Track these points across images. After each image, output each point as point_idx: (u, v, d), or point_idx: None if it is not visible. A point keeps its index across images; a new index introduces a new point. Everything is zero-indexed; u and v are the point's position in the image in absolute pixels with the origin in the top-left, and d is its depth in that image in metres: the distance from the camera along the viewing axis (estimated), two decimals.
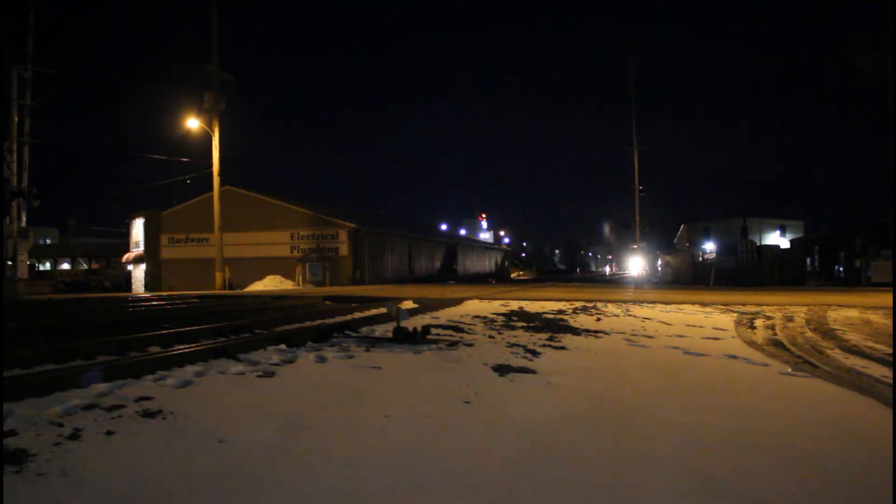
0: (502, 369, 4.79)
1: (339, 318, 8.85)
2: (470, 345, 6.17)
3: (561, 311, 10.58)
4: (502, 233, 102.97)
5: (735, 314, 10.05)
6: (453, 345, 6.06)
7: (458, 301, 12.63)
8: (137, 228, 36.64)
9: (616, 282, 41.84)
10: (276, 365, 4.71)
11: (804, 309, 10.67)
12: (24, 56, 22.40)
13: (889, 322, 8.56)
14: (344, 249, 32.00)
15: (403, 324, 6.54)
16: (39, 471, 2.38)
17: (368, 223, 36.04)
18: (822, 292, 17.19)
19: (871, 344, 6.47)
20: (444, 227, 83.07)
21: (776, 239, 52.40)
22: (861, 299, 12.95)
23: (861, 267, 25.95)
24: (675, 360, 5.62)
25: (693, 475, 2.56)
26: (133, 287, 35.95)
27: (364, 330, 7.30)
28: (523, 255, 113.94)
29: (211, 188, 26.74)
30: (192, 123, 26.05)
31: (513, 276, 72.88)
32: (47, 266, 51.28)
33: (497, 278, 54.90)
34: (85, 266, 48.39)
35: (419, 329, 6.33)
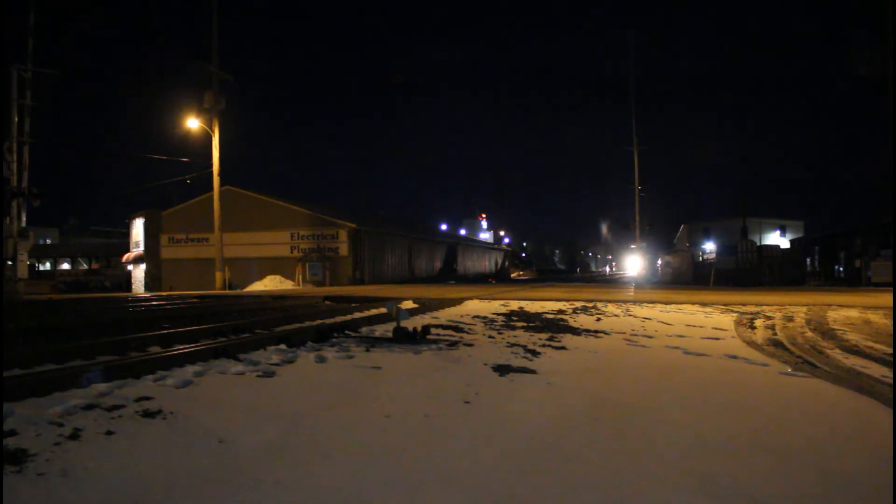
0: (502, 369, 4.80)
1: (339, 318, 8.85)
2: (470, 345, 6.17)
3: (561, 311, 10.58)
4: (502, 233, 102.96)
5: (735, 314, 10.05)
6: (453, 345, 6.06)
7: (458, 301, 12.63)
8: (137, 228, 36.63)
9: (616, 282, 41.83)
10: (276, 365, 4.71)
11: (804, 309, 10.67)
12: (24, 56, 22.40)
13: (889, 322, 8.56)
14: (344, 249, 31.99)
15: (403, 324, 6.54)
16: (39, 471, 2.38)
17: (368, 223, 36.04)
18: (821, 292, 17.19)
19: (871, 344, 6.47)
20: (444, 227, 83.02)
21: (776, 239, 52.37)
22: (861, 299, 12.95)
23: (861, 267, 25.95)
24: (675, 360, 5.62)
25: (693, 475, 2.56)
26: (133, 287, 35.94)
27: (364, 330, 7.30)
28: (523, 255, 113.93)
29: (211, 188, 26.74)
30: (192, 123, 26.05)
31: (513, 276, 72.86)
32: (47, 266, 51.25)
33: (497, 278, 54.87)
34: (85, 266, 48.37)
35: (419, 329, 6.33)
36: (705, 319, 9.31)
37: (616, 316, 9.92)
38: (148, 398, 3.50)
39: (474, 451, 2.83)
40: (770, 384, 4.57)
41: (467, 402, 3.72)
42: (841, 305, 11.20)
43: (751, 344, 6.70)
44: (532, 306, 11.68)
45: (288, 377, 4.35)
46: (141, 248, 35.90)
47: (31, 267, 37.55)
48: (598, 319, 9.31)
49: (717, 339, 7.13)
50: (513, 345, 6.25)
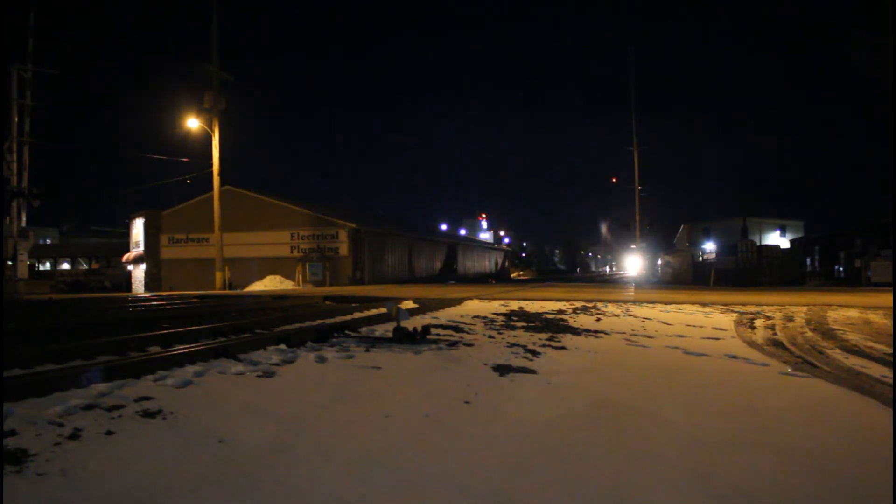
0: (502, 369, 4.80)
1: (339, 318, 8.85)
2: (470, 345, 6.17)
3: (561, 311, 10.58)
4: (502, 233, 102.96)
5: (735, 314, 10.05)
6: (453, 345, 6.06)
7: (458, 301, 12.63)
8: (137, 228, 36.63)
9: (616, 282, 41.83)
10: (276, 365, 4.71)
11: (804, 309, 10.67)
12: (24, 56, 22.42)
13: (889, 322, 8.56)
14: (344, 249, 32.00)
15: (403, 324, 6.54)
16: (39, 471, 2.38)
17: (368, 223, 36.04)
18: (822, 292, 17.19)
19: (871, 344, 6.47)
20: (444, 227, 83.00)
21: (776, 239, 52.35)
22: (861, 299, 12.95)
23: (861, 267, 25.93)
24: (675, 360, 5.62)
25: (693, 475, 2.56)
26: (133, 287, 35.95)
27: (364, 330, 7.30)
28: (523, 255, 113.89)
29: (211, 188, 26.74)
30: (192, 123, 26.04)
31: (513, 276, 72.85)
32: (47, 266, 51.23)
33: (497, 278, 54.87)
34: (85, 266, 48.35)
35: (419, 329, 6.33)
36: (705, 319, 9.31)
37: (616, 316, 9.92)
38: (148, 398, 3.50)
39: (474, 451, 2.83)
40: (770, 384, 4.57)
41: (467, 402, 3.73)
42: (841, 305, 11.20)
43: (751, 344, 6.70)
44: (532, 306, 11.68)
45: (288, 377, 4.35)
46: (141, 248, 35.90)
47: (31, 267, 37.51)
48: (598, 319, 9.31)
49: (717, 339, 7.13)
50: (513, 345, 6.25)
